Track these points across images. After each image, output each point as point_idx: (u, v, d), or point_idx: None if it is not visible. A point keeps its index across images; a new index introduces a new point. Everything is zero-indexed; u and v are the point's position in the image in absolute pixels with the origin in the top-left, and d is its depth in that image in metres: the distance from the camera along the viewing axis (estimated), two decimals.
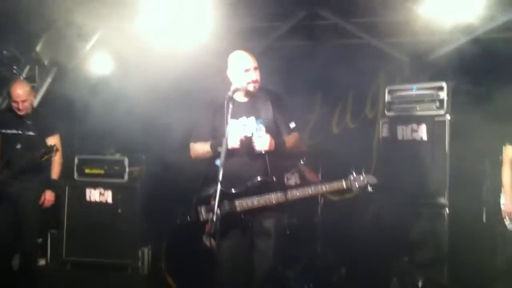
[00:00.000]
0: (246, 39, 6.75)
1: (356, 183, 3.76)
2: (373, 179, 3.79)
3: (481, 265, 4.90)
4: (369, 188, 3.77)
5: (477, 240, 4.89)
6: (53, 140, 5.27)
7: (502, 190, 4.50)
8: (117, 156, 6.11)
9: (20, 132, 5.21)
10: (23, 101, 5.20)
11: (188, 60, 6.20)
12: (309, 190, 3.84)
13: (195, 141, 4.06)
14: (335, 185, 3.82)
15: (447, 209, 4.90)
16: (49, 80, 6.95)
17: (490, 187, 5.03)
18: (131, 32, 6.39)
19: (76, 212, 5.90)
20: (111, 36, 6.63)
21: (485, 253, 4.92)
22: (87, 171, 6.02)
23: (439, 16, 5.57)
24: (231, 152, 3.76)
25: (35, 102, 6.61)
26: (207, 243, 3.54)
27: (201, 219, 3.88)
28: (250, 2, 6.01)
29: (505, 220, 4.41)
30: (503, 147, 4.60)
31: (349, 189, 3.80)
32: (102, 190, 5.95)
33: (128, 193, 5.93)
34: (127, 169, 5.99)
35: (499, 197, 4.49)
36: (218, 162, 3.72)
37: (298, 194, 3.83)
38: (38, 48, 6.80)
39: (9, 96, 5.33)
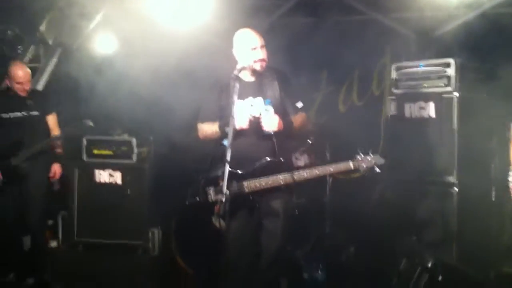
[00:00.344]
0: (249, 17, 6.67)
1: (363, 163, 3.79)
2: (380, 160, 3.80)
3: (490, 244, 4.93)
4: (376, 169, 3.79)
5: (486, 218, 4.89)
6: (51, 119, 5.37)
7: (510, 167, 4.48)
8: (125, 137, 6.10)
9: (25, 113, 5.24)
10: (28, 82, 5.25)
11: (191, 39, 6.17)
12: (317, 171, 3.86)
13: (203, 121, 4.07)
14: (342, 166, 3.84)
15: (455, 187, 4.88)
16: (54, 60, 6.94)
17: (499, 165, 5.02)
18: (134, 12, 6.35)
19: (86, 194, 5.92)
20: (114, 15, 6.57)
21: (494, 231, 4.93)
22: (95, 151, 6.02)
23: None
24: (239, 133, 3.79)
25: (42, 82, 6.68)
26: (217, 224, 3.60)
27: (210, 200, 3.90)
28: None
29: None
30: (511, 123, 4.56)
31: (356, 170, 3.81)
32: (111, 171, 5.97)
33: (137, 174, 5.94)
34: (135, 150, 5.99)
35: (507, 175, 4.47)
36: (225, 142, 3.74)
37: (305, 175, 3.85)
38: (42, 28, 6.76)
39: (9, 78, 5.29)
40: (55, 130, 5.43)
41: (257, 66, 3.87)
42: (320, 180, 5.67)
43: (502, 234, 4.87)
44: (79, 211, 5.91)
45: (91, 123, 5.39)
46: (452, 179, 4.91)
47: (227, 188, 3.58)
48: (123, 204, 5.85)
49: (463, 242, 4.80)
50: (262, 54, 3.87)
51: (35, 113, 5.29)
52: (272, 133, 3.83)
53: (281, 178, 3.81)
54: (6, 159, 5.15)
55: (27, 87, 5.26)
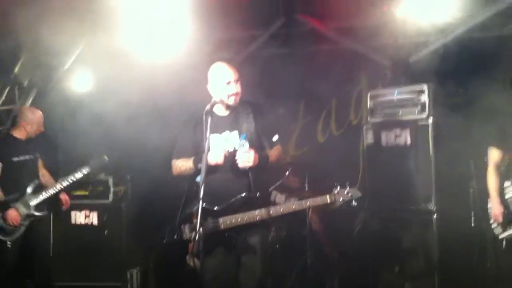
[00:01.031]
0: (224, 50, 6.72)
1: (340, 197, 3.74)
2: (357, 193, 3.75)
3: (472, 271, 4.85)
4: (353, 202, 3.74)
5: (467, 245, 4.83)
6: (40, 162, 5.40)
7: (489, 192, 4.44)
8: (101, 176, 6.03)
9: (28, 157, 5.23)
10: (37, 125, 5.31)
11: (166, 74, 6.16)
12: (293, 206, 3.80)
13: (177, 157, 4.00)
14: (319, 200, 3.79)
15: (434, 215, 4.84)
16: (29, 101, 6.90)
17: (477, 189, 4.98)
18: (110, 49, 6.35)
19: (62, 236, 5.80)
20: (89, 53, 6.57)
21: (476, 258, 4.86)
22: (71, 192, 5.92)
23: (417, 18, 5.56)
24: (214, 168, 3.73)
25: None
26: (191, 263, 3.52)
27: (185, 238, 3.81)
28: (227, 12, 5.95)
29: (493, 225, 4.34)
30: (488, 149, 4.54)
31: (333, 203, 3.76)
32: (87, 212, 5.88)
33: (114, 214, 5.87)
34: (111, 189, 5.92)
35: (486, 200, 4.43)
36: (199, 179, 3.67)
37: (282, 210, 3.80)
38: (16, 69, 6.74)
39: (19, 121, 5.29)
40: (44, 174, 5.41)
41: (231, 101, 3.82)
42: (299, 213, 5.60)
43: (484, 260, 4.80)
44: (55, 254, 5.78)
45: (106, 158, 5.36)
46: (430, 206, 4.87)
47: (202, 225, 3.52)
48: (100, 245, 5.77)
49: (445, 270, 4.74)
50: (236, 88, 3.82)
51: (37, 155, 5.33)
52: (248, 168, 3.78)
53: (257, 214, 3.74)
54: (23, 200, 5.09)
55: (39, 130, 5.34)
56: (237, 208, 3.76)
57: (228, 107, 3.88)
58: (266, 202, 3.91)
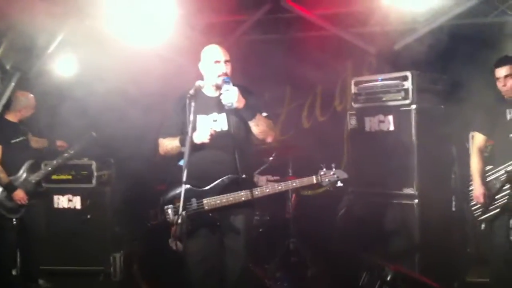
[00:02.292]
0: (211, 34, 6.70)
1: (326, 178, 3.76)
2: (343, 174, 3.79)
3: (452, 254, 4.92)
4: (339, 183, 3.77)
5: (448, 229, 4.89)
6: (39, 142, 5.58)
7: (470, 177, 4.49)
8: (85, 161, 5.99)
9: (23, 138, 5.40)
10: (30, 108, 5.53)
11: (154, 59, 6.15)
12: (279, 187, 3.80)
13: (164, 136, 3.99)
14: (305, 181, 3.81)
15: (416, 199, 4.88)
16: (12, 84, 6.81)
17: (459, 175, 5.05)
18: (94, 32, 6.29)
19: (45, 220, 5.75)
20: (73, 37, 6.50)
21: (456, 241, 4.93)
22: (53, 177, 5.89)
23: (403, 5, 5.58)
24: (200, 149, 3.73)
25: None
26: (173, 246, 3.51)
27: (168, 221, 3.82)
28: None
29: (473, 208, 4.40)
30: (471, 134, 4.59)
31: (319, 184, 3.79)
32: (70, 196, 5.86)
33: (97, 198, 5.84)
34: (95, 174, 5.89)
35: (468, 185, 4.49)
36: (182, 162, 3.67)
37: (267, 190, 3.79)
38: None
39: (15, 106, 5.54)
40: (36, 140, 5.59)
41: (219, 80, 3.82)
42: (282, 196, 5.64)
43: (465, 244, 4.87)
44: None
45: (94, 134, 5.59)
46: (412, 191, 4.91)
47: (187, 206, 3.55)
48: (83, 230, 5.73)
49: (426, 253, 4.79)
50: (225, 68, 3.81)
51: (29, 135, 5.49)
52: (233, 105, 3.62)
53: (243, 195, 3.74)
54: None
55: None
56: (222, 189, 3.76)
57: (217, 87, 3.87)
58: (252, 183, 3.89)
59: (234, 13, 6.58)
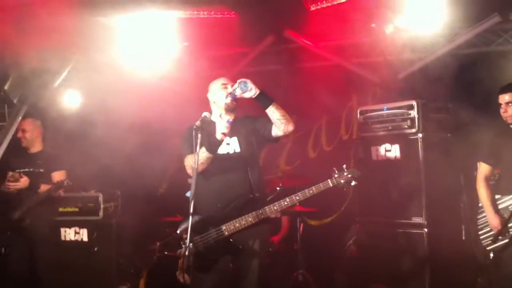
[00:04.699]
0: (216, 67, 6.77)
1: (341, 179, 3.78)
2: (356, 172, 3.80)
3: (463, 284, 4.85)
4: (353, 182, 3.77)
5: (458, 258, 4.83)
6: (59, 175, 5.34)
7: (481, 207, 4.45)
8: (91, 193, 5.98)
9: (31, 169, 5.33)
10: (23, 131, 5.50)
11: (158, 92, 6.20)
12: (296, 197, 3.76)
13: (188, 154, 3.91)
14: (321, 186, 3.80)
15: (425, 228, 4.85)
16: (19, 118, 6.86)
17: (467, 203, 5.01)
18: (101, 65, 6.37)
19: (51, 252, 5.71)
20: (80, 69, 6.58)
21: (466, 271, 4.86)
22: (61, 209, 5.87)
23: (405, 36, 5.64)
24: (212, 173, 3.77)
25: (6, 141, 6.60)
26: (180, 278, 3.48)
27: (177, 253, 3.81)
28: (217, 30, 6.01)
29: (481, 237, 4.36)
30: (478, 163, 4.57)
31: (335, 187, 3.77)
32: (77, 229, 5.82)
33: (104, 230, 5.78)
34: (102, 206, 5.86)
35: (476, 213, 4.45)
36: (188, 194, 3.67)
37: (285, 203, 3.75)
38: (6, 87, 6.72)
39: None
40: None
41: (228, 100, 3.83)
42: (291, 228, 5.61)
43: (475, 273, 4.80)
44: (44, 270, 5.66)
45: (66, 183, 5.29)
46: (421, 220, 4.89)
47: (206, 237, 3.60)
48: (90, 262, 5.66)
49: (436, 283, 4.74)
50: (231, 89, 3.85)
51: (41, 170, 5.37)
52: (249, 87, 3.68)
53: (261, 213, 3.72)
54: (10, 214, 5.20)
55: (22, 135, 5.52)
56: (239, 211, 3.75)
57: (227, 110, 3.87)
58: (266, 202, 3.86)
59: (237, 45, 6.67)
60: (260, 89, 3.77)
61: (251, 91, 3.73)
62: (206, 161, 3.85)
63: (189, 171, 4.00)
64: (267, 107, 3.79)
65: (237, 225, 3.73)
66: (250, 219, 3.73)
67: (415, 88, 5.94)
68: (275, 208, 3.76)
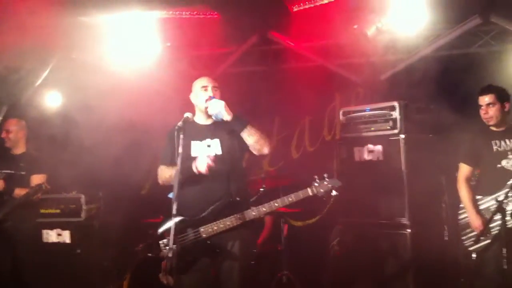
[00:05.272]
0: (199, 67, 6.75)
1: (321, 188, 3.76)
2: (337, 182, 3.78)
3: (446, 285, 4.89)
4: (334, 192, 3.76)
5: (441, 259, 4.87)
6: (38, 178, 5.26)
7: (462, 207, 4.49)
8: (73, 194, 5.94)
9: (12, 171, 5.26)
10: (7, 131, 5.41)
11: (139, 91, 6.16)
12: (276, 204, 3.77)
13: (162, 165, 3.98)
14: (301, 194, 3.79)
15: (408, 229, 4.89)
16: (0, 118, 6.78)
17: (449, 203, 5.06)
18: (81, 65, 6.32)
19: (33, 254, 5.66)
20: (61, 69, 6.52)
21: (449, 272, 4.91)
22: (42, 211, 5.81)
23: (388, 37, 5.68)
24: (192, 175, 3.71)
25: None
26: (164, 280, 3.46)
27: (160, 255, 3.78)
28: (200, 30, 6.00)
29: (463, 237, 4.40)
30: (459, 164, 4.62)
31: (315, 196, 3.76)
32: (59, 231, 5.78)
33: (87, 232, 5.76)
34: (84, 207, 5.83)
35: (457, 214, 4.50)
36: (171, 195, 3.65)
37: (264, 209, 3.76)
38: None
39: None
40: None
41: (207, 104, 3.82)
42: (274, 228, 5.61)
43: (458, 273, 4.85)
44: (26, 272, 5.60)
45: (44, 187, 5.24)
46: (404, 220, 4.93)
47: (183, 238, 3.56)
48: (73, 264, 5.63)
49: (419, 283, 4.77)
50: (212, 93, 3.86)
51: (22, 172, 5.30)
52: (221, 114, 3.67)
53: (239, 217, 3.71)
54: None
55: (6, 136, 5.41)
56: (218, 215, 3.73)
57: (207, 114, 3.87)
58: (247, 206, 3.83)
59: (220, 46, 6.65)
60: (234, 113, 3.77)
61: (225, 116, 3.74)
62: (171, 179, 3.87)
63: (160, 181, 4.02)
64: (241, 131, 3.80)
65: (215, 228, 3.72)
66: (228, 223, 3.71)
67: (398, 89, 5.98)
68: (254, 213, 3.75)
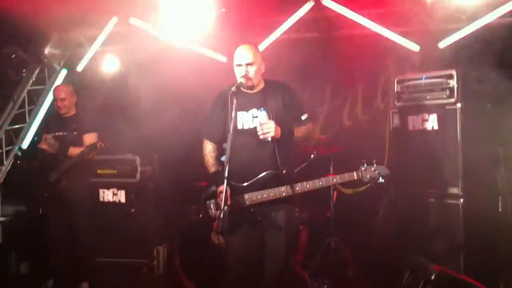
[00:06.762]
0: (252, 34, 6.73)
1: (367, 174, 3.74)
2: (385, 170, 3.75)
3: (498, 256, 4.81)
4: (381, 179, 3.73)
5: (493, 230, 4.78)
6: (90, 138, 5.42)
7: None
8: (129, 156, 6.12)
9: (65, 133, 5.44)
10: (62, 100, 5.49)
11: (193, 57, 6.22)
12: (320, 183, 3.80)
13: (207, 137, 4.10)
14: (346, 177, 3.79)
15: (461, 199, 4.79)
16: (59, 81, 7.02)
17: (505, 175, 4.93)
18: (138, 31, 6.43)
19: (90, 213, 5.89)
20: (117, 35, 6.65)
21: (502, 243, 4.81)
22: (99, 171, 6.04)
23: (447, 3, 5.50)
24: (241, 143, 3.78)
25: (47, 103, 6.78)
26: (215, 240, 3.56)
27: (211, 216, 3.88)
28: None
29: None
30: None
31: (360, 180, 3.76)
32: (115, 190, 5.98)
33: (141, 193, 5.94)
34: (139, 169, 6.00)
35: None
36: (223, 158, 3.72)
37: (308, 186, 3.80)
38: (46, 51, 6.86)
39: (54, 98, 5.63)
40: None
41: (243, 80, 3.85)
42: (323, 195, 5.62)
43: (510, 245, 4.75)
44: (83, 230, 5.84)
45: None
46: (457, 190, 4.82)
47: (227, 203, 3.56)
48: (127, 223, 5.84)
49: (470, 255, 4.69)
50: (244, 71, 3.85)
51: (75, 133, 5.47)
52: (270, 140, 3.78)
53: (283, 190, 3.76)
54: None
55: (61, 104, 5.52)
56: (263, 185, 3.80)
57: (249, 87, 3.90)
58: (292, 179, 3.89)
59: (274, 12, 6.60)
60: (280, 131, 3.82)
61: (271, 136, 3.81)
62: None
63: (204, 154, 4.10)
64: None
65: (259, 197, 3.78)
66: (272, 194, 3.77)
67: (456, 57, 5.80)
68: (297, 188, 3.79)
